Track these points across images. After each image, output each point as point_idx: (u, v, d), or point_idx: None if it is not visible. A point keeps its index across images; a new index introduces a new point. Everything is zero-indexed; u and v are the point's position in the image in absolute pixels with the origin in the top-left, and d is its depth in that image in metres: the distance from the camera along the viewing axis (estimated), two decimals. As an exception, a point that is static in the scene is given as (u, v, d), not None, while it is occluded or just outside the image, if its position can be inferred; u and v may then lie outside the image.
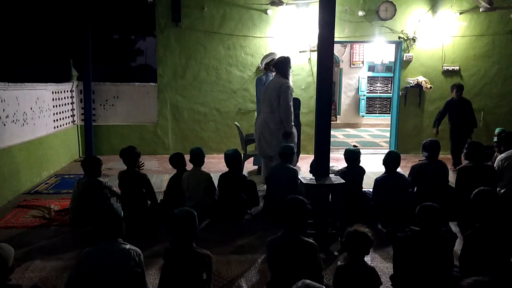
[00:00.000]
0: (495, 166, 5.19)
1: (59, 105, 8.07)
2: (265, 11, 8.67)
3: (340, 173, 5.12)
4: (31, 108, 6.85)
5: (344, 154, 5.34)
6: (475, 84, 9.11)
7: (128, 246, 2.86)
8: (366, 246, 2.96)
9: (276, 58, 7.51)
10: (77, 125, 8.78)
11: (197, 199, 5.00)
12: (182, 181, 5.10)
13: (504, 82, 9.12)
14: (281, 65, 6.17)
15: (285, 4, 8.44)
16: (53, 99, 7.78)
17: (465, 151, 5.19)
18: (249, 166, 7.52)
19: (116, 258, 2.78)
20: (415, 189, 5.17)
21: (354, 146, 8.17)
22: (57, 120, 7.91)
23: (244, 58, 8.85)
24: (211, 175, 5.22)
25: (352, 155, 5.25)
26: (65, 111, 8.35)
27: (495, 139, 7.00)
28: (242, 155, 6.86)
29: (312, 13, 8.32)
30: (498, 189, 4.99)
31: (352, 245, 2.97)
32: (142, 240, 4.39)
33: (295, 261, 2.98)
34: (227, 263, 4.00)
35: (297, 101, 7.92)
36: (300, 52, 8.82)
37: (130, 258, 2.80)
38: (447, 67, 8.97)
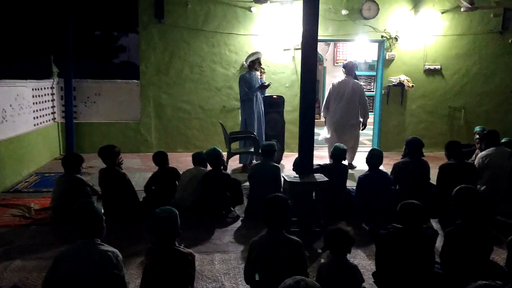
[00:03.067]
0: (475, 164, 5.27)
1: (40, 102, 7.92)
2: (249, 9, 8.64)
3: (323, 169, 5.12)
4: (10, 105, 6.71)
5: (332, 151, 5.36)
6: (456, 83, 9.23)
7: (105, 247, 2.77)
8: (348, 245, 2.99)
9: (261, 57, 7.53)
10: (58, 123, 8.63)
11: (185, 196, 5.08)
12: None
13: (485, 81, 9.25)
14: (354, 68, 7.57)
15: (269, 1, 8.42)
16: (33, 96, 7.65)
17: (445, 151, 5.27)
18: (233, 164, 7.50)
19: (93, 260, 2.70)
20: (397, 187, 5.22)
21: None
22: (37, 117, 7.77)
23: (228, 55, 8.81)
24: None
25: (341, 153, 5.30)
26: (46, 108, 8.21)
27: (476, 136, 7.12)
28: (226, 153, 6.86)
29: (296, 11, 8.32)
30: (478, 186, 5.07)
31: (333, 244, 3.00)
32: (124, 239, 4.37)
33: (281, 259, 2.97)
34: (211, 262, 3.99)
35: (281, 99, 7.95)
36: (284, 50, 8.81)
37: (108, 260, 2.71)
38: (429, 66, 9.07)
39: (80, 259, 2.70)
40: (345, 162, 5.61)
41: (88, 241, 2.76)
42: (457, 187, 3.43)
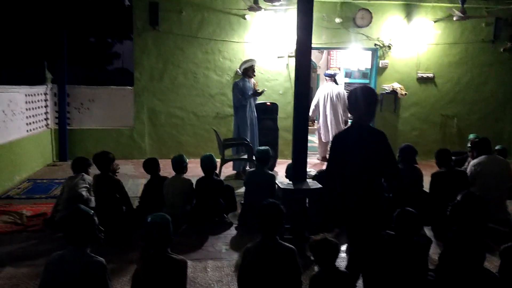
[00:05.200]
0: (468, 171, 5.29)
1: (33, 108, 7.88)
2: (243, 16, 8.67)
3: (320, 175, 5.13)
4: (3, 111, 6.68)
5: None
6: (449, 91, 9.30)
7: (91, 257, 2.73)
8: (333, 253, 2.97)
9: (255, 64, 7.55)
10: (51, 129, 8.59)
11: (176, 206, 4.95)
12: (163, 188, 5.05)
13: (476, 89, 9.34)
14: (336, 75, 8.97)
15: (263, 9, 8.45)
16: (26, 102, 7.60)
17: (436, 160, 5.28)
18: (227, 171, 7.49)
19: (77, 268, 2.66)
20: (390, 194, 5.22)
21: None
22: (30, 123, 7.72)
23: (222, 62, 8.83)
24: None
25: None
26: (39, 115, 8.16)
27: (469, 144, 7.15)
28: (220, 159, 6.85)
29: (290, 19, 8.37)
30: (470, 194, 5.07)
31: (318, 254, 2.98)
32: (117, 246, 4.34)
33: (275, 266, 2.96)
34: (204, 269, 3.97)
35: (274, 106, 7.97)
36: (278, 57, 8.85)
37: (92, 270, 2.68)
38: (422, 74, 9.13)
39: (65, 266, 2.66)
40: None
41: (76, 249, 2.73)
42: (463, 193, 3.24)
